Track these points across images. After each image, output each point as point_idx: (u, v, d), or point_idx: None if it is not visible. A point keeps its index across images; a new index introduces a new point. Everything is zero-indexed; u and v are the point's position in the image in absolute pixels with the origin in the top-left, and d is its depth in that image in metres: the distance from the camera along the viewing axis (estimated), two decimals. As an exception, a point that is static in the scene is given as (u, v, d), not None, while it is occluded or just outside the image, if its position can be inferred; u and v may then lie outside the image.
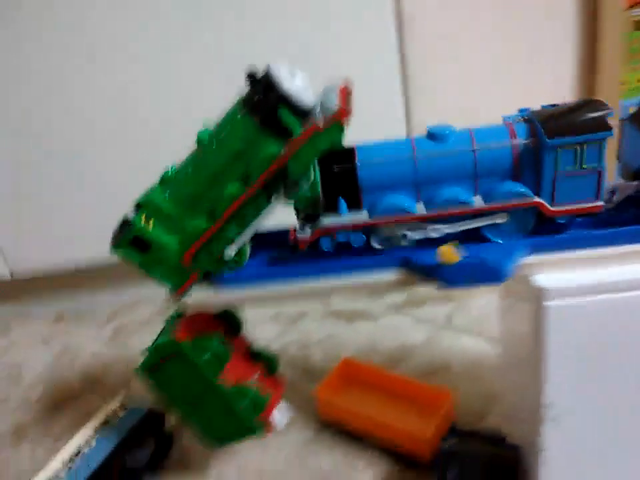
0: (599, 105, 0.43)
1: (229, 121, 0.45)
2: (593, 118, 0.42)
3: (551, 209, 0.44)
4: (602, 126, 0.41)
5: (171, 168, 0.49)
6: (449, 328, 0.80)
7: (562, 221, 0.46)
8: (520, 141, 0.44)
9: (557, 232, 0.45)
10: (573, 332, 0.42)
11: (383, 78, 0.85)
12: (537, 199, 0.44)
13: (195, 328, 0.54)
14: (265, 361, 0.60)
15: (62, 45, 0.82)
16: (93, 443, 0.60)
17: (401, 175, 0.46)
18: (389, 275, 0.46)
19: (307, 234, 0.48)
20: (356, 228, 0.47)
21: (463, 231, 0.46)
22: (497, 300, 0.59)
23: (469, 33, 0.86)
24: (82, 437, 0.60)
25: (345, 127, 0.43)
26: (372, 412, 0.61)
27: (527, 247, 0.44)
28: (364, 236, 0.48)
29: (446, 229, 0.46)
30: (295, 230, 0.50)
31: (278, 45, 0.82)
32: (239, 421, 0.54)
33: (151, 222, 0.48)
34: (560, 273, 0.42)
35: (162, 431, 0.64)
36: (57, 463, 0.57)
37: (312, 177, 0.45)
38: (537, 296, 0.41)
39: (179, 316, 0.56)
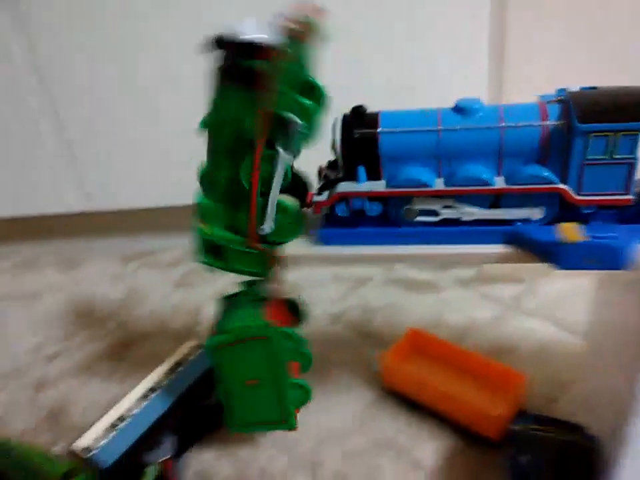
0: (643, 93, 0.39)
1: (217, 96, 0.45)
2: (632, 105, 0.39)
3: (576, 197, 0.42)
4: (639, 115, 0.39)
5: (201, 164, 0.49)
6: (517, 309, 0.78)
7: (587, 211, 0.43)
8: (550, 122, 0.42)
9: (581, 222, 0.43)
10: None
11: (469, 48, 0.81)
12: (561, 186, 0.42)
13: (278, 315, 0.54)
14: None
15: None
16: (166, 383, 0.62)
17: (423, 147, 0.45)
18: (492, 249, 0.45)
19: (324, 198, 0.48)
20: (373, 197, 0.46)
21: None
22: (582, 287, 0.57)
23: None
24: (155, 377, 0.62)
25: (306, 42, 0.41)
26: (439, 384, 0.61)
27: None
28: (381, 205, 0.47)
29: (479, 214, 0.45)
30: (313, 194, 0.50)
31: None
32: (281, 412, 0.54)
33: (208, 225, 0.49)
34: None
35: None
36: (130, 399, 0.59)
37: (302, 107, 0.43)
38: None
39: (263, 299, 0.56)
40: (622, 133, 0.39)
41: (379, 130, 0.45)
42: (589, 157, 0.40)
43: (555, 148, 0.42)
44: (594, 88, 0.43)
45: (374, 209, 0.47)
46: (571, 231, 0.41)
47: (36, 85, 0.87)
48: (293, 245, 0.51)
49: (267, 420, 0.55)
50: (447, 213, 0.46)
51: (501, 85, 0.83)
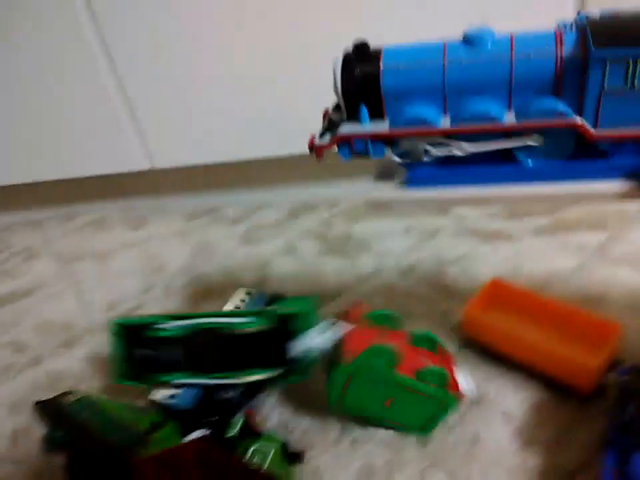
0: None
1: None
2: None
3: (593, 132, 0.37)
4: None
5: None
6: (602, 257, 0.74)
7: (605, 148, 0.39)
8: (566, 51, 0.37)
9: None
10: None
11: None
12: (577, 120, 0.38)
13: (359, 339, 0.53)
14: (426, 343, 0.58)
15: None
16: None
17: (428, 83, 0.42)
18: (607, 185, 0.41)
19: (325, 141, 0.46)
20: (376, 138, 0.44)
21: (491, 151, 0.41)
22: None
23: None
24: None
25: None
26: (526, 334, 0.58)
27: None
28: (384, 147, 0.44)
29: (470, 147, 0.41)
30: (314, 137, 0.47)
31: None
32: (435, 402, 0.53)
33: None
34: None
35: None
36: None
37: None
38: None
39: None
40: None
41: (381, 66, 0.42)
42: (607, 87, 0.36)
43: (571, 79, 0.38)
44: (616, 12, 0.38)
45: (377, 152, 0.45)
46: None
47: (99, 46, 0.86)
48: (385, 190, 0.48)
49: (434, 414, 0.54)
50: (438, 151, 0.43)
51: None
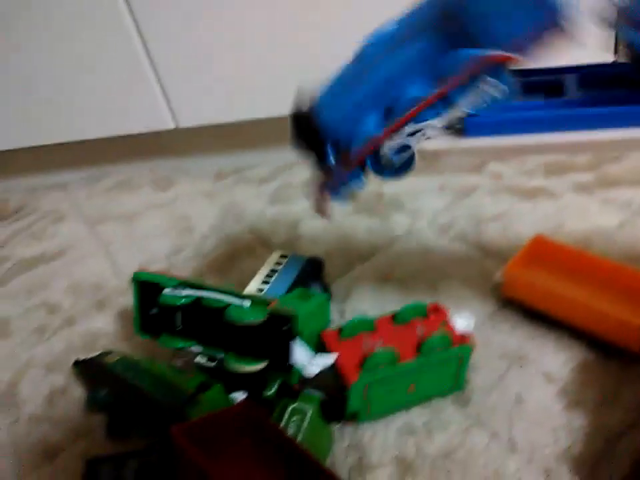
0: None
1: None
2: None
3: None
4: None
5: None
6: (648, 214, 0.71)
7: None
8: None
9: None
10: None
11: None
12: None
13: (350, 358, 0.51)
14: (413, 313, 0.56)
15: None
16: (265, 288, 0.62)
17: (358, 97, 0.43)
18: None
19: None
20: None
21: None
22: None
23: None
24: (255, 283, 0.63)
25: None
26: (570, 292, 0.56)
27: None
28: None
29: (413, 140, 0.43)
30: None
31: None
32: (451, 362, 0.52)
33: None
34: None
35: (321, 276, 0.67)
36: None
37: None
38: None
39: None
40: None
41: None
42: None
43: None
44: None
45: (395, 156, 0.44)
46: None
47: (124, 3, 0.84)
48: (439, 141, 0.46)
49: (453, 375, 0.53)
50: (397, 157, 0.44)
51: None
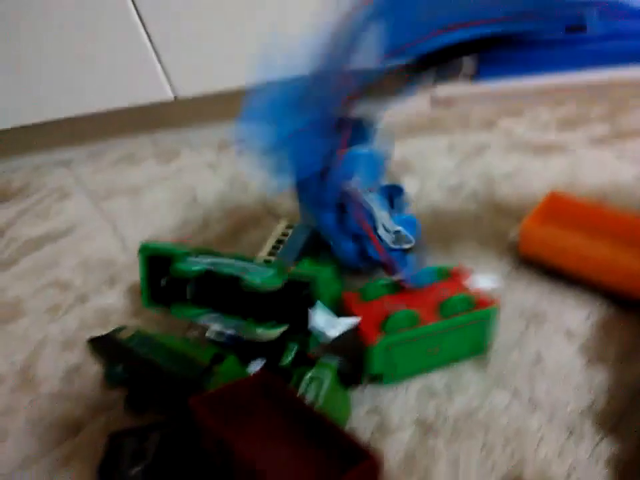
0: None
1: None
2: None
3: None
4: None
5: None
6: (667, 165, 0.69)
7: None
8: None
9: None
10: None
11: None
12: None
13: (373, 318, 0.51)
14: (433, 276, 0.55)
15: None
16: (273, 259, 0.62)
17: None
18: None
19: None
20: None
21: None
22: None
23: None
24: (263, 254, 0.64)
25: None
26: (589, 248, 0.55)
27: None
28: None
29: None
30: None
31: None
32: (474, 325, 0.51)
33: None
34: None
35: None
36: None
37: None
38: None
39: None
40: None
41: None
42: None
43: None
44: None
45: None
46: None
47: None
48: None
49: (478, 336, 0.52)
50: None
51: None
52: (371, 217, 0.54)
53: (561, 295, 0.57)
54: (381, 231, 0.54)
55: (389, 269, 0.55)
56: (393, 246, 0.55)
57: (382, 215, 0.54)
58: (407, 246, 0.55)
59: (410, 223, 0.56)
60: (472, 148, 0.81)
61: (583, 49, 0.38)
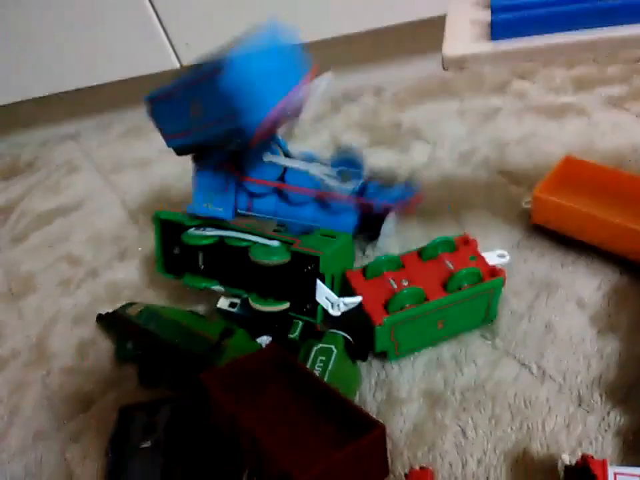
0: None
1: None
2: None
3: None
4: None
5: None
6: (686, 126, 0.66)
7: None
8: None
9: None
10: None
11: None
12: None
13: (378, 297, 0.49)
14: (441, 248, 0.54)
15: None
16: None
17: None
18: None
19: None
20: None
21: None
22: None
23: None
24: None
25: None
26: (604, 214, 0.53)
27: None
28: None
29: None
30: None
31: None
32: (481, 296, 0.50)
33: None
34: None
35: None
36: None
37: None
38: None
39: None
40: None
41: None
42: None
43: None
44: None
45: None
46: None
47: None
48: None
49: (484, 305, 0.52)
50: None
51: None
52: (311, 180, 0.55)
53: (573, 263, 0.55)
54: (329, 182, 0.55)
55: (366, 207, 0.56)
56: (345, 187, 0.55)
57: (313, 168, 0.56)
58: (358, 179, 0.56)
59: (349, 160, 0.57)
60: (483, 112, 0.78)
61: (603, 5, 0.36)
